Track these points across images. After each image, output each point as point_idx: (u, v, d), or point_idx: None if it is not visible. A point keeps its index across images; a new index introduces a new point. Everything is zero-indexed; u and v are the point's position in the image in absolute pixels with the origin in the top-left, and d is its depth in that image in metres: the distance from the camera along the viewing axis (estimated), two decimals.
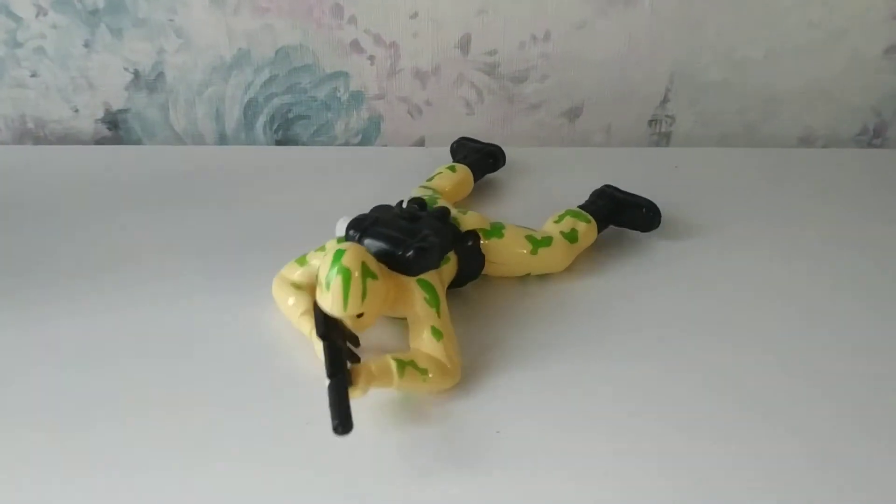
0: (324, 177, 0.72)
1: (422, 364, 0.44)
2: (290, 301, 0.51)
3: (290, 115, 0.80)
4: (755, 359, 0.49)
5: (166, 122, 0.80)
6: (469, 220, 0.54)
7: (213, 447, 0.42)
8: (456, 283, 0.54)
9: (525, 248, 0.55)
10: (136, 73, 0.77)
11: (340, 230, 0.51)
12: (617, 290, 0.56)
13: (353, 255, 0.44)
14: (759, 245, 0.62)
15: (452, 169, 0.66)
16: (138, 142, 0.80)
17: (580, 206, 0.60)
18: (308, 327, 0.48)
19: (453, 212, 0.54)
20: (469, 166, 0.67)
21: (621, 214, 0.61)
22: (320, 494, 0.39)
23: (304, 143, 0.81)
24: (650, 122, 0.82)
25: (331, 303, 0.43)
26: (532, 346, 0.50)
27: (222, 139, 0.81)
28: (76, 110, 0.78)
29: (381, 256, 0.47)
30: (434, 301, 0.47)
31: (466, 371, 0.47)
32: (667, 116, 0.81)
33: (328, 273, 0.43)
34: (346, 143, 0.82)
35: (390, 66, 0.78)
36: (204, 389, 0.46)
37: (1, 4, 0.72)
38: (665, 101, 0.80)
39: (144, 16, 0.74)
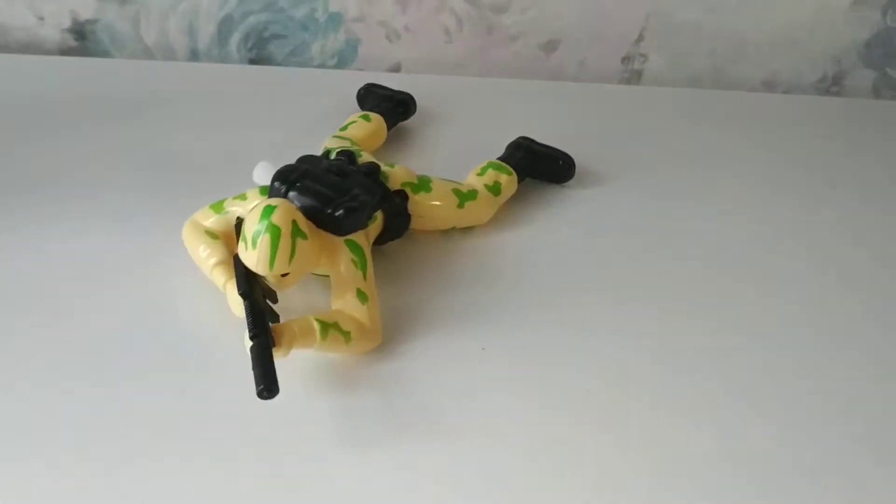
0: (295, 102, 0.71)
1: (345, 326, 0.43)
2: (202, 250, 0.48)
3: (266, 34, 0.79)
4: (669, 310, 0.51)
5: (136, 35, 0.77)
6: (397, 175, 0.53)
7: (118, 416, 0.41)
8: (378, 242, 0.52)
9: (452, 202, 0.54)
10: None
11: (259, 178, 0.49)
12: (536, 242, 0.57)
13: (284, 212, 0.42)
14: (692, 194, 0.64)
15: (366, 118, 0.64)
16: (106, 54, 0.78)
17: (499, 158, 0.60)
18: (223, 280, 0.46)
19: (382, 167, 0.53)
20: (381, 115, 0.65)
21: (538, 166, 0.62)
22: (242, 461, 0.39)
23: (278, 64, 0.80)
24: (623, 59, 0.83)
25: (256, 261, 0.42)
26: (454, 307, 0.50)
27: (194, 55, 0.79)
28: (41, 18, 0.75)
29: (308, 213, 0.45)
30: (361, 263, 0.46)
31: (389, 334, 0.47)
32: (640, 54, 0.83)
33: (255, 229, 0.41)
34: (322, 66, 0.81)
35: None
36: (99, 350, 0.45)
37: None
38: (640, 39, 0.82)
39: None
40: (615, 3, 0.79)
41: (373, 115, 0.64)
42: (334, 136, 0.61)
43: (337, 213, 0.45)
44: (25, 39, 0.76)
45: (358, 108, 0.69)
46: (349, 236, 0.46)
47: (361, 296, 0.45)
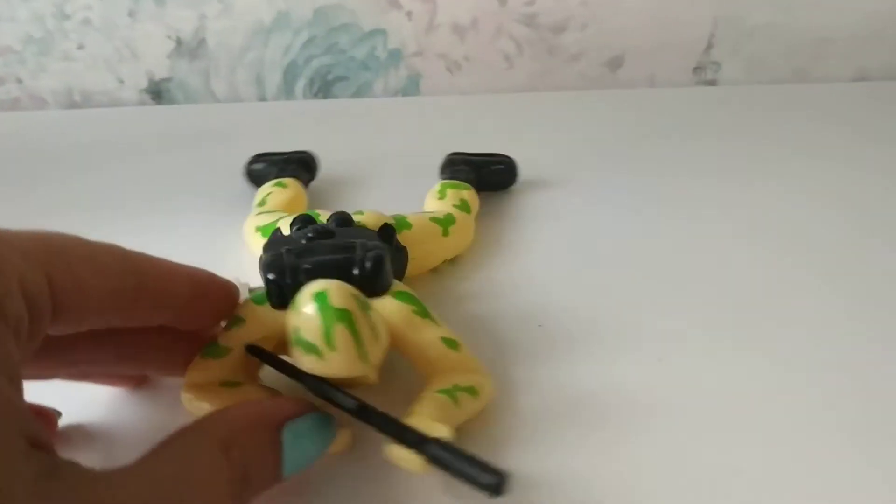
0: (359, 130, 0.71)
1: (464, 382, 0.33)
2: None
3: (330, 77, 0.80)
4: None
5: (207, 90, 0.80)
6: (371, 220, 0.43)
7: None
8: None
9: (437, 232, 0.46)
10: (179, 41, 0.78)
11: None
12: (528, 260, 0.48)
13: (338, 291, 0.30)
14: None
15: (280, 185, 0.54)
16: None
17: (444, 178, 0.53)
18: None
19: (352, 215, 0.43)
20: (293, 178, 0.55)
21: (481, 176, 0.54)
22: None
23: None
24: (695, 69, 0.80)
25: (346, 363, 0.30)
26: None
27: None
28: (121, 81, 0.80)
29: None
30: (422, 311, 0.36)
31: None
32: (712, 63, 0.79)
33: (318, 326, 0.29)
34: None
35: (428, 22, 0.77)
36: None
37: None
38: (709, 47, 0.79)
39: None
40: (678, 10, 0.76)
41: (286, 180, 0.55)
42: (263, 213, 0.49)
43: (366, 266, 0.35)
44: (107, 104, 0.81)
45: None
46: (393, 289, 0.37)
47: (449, 343, 0.35)
